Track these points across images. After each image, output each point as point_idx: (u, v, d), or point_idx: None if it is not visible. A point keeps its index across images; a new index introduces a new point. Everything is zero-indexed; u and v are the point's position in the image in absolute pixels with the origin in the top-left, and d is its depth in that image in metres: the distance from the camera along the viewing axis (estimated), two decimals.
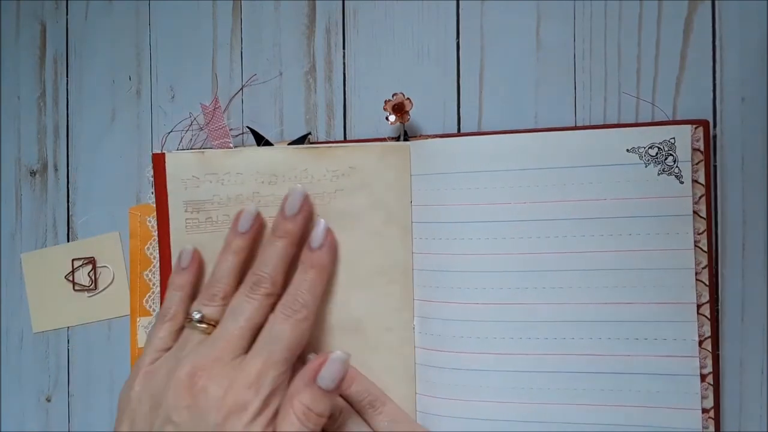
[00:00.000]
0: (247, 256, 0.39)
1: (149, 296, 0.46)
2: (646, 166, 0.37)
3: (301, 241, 0.39)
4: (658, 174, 0.37)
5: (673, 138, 0.37)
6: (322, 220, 0.39)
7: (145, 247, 0.46)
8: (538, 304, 0.38)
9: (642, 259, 0.37)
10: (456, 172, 0.39)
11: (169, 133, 0.46)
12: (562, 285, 0.38)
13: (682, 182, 0.37)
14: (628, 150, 0.37)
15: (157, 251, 0.44)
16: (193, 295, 0.40)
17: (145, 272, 0.46)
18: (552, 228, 0.38)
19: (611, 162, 0.37)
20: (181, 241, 0.42)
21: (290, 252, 0.38)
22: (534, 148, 0.39)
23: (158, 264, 0.45)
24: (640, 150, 0.37)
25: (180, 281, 0.40)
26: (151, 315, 0.46)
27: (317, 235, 0.38)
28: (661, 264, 0.37)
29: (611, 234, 0.37)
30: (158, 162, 0.43)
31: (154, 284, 0.46)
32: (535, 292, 0.38)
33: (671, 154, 0.37)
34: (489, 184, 0.39)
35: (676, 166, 0.37)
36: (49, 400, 0.50)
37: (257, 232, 0.40)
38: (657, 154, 0.37)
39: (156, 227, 0.44)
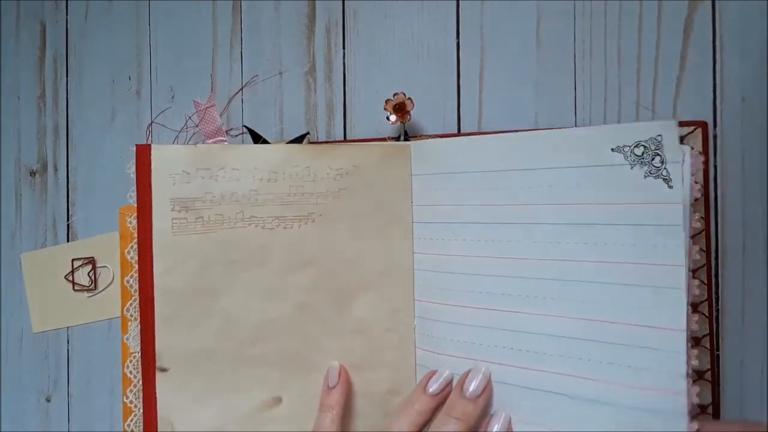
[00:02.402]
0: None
1: (130, 304, 0.43)
2: (631, 168, 0.32)
3: (477, 424, 0.36)
4: (645, 176, 0.32)
5: (660, 135, 0.32)
6: (507, 416, 0.36)
7: (126, 250, 0.42)
8: (521, 313, 0.36)
9: (625, 274, 0.32)
10: (449, 172, 0.39)
11: (151, 123, 0.46)
12: (543, 294, 0.35)
13: (671, 186, 0.31)
14: (612, 149, 0.33)
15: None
16: (344, 414, 0.39)
17: (127, 278, 0.42)
18: (535, 232, 0.36)
19: (594, 163, 0.33)
20: (166, 244, 0.39)
21: None
22: (519, 148, 0.36)
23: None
24: (626, 149, 0.33)
25: (329, 402, 0.39)
26: (133, 322, 0.43)
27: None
28: (646, 281, 0.32)
29: (595, 243, 0.33)
30: (142, 154, 0.39)
31: (135, 290, 0.42)
32: (518, 299, 0.36)
33: (658, 154, 0.32)
34: (479, 185, 0.38)
35: (664, 168, 0.32)
36: (49, 400, 0.50)
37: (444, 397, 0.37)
38: (643, 153, 0.32)
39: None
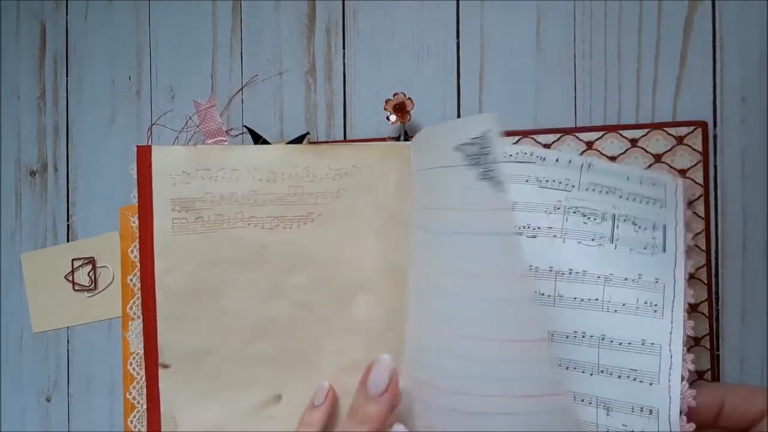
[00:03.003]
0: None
1: (133, 302, 0.43)
2: (468, 168, 0.28)
3: (383, 425, 0.32)
4: (478, 179, 0.28)
5: (489, 129, 0.27)
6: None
7: (129, 249, 0.43)
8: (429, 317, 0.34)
9: (479, 287, 0.29)
10: (421, 169, 0.38)
11: (152, 125, 0.46)
12: (432, 309, 0.32)
13: (500, 190, 0.27)
14: (454, 148, 0.29)
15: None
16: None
17: (130, 276, 0.43)
18: (417, 239, 0.34)
19: (441, 164, 0.30)
20: (166, 243, 0.39)
21: None
22: (422, 148, 0.35)
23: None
24: (464, 148, 0.29)
25: (310, 420, 0.37)
26: (136, 320, 0.43)
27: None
28: (498, 293, 0.28)
29: (451, 252, 0.30)
30: (143, 155, 0.39)
31: (138, 289, 0.42)
32: (429, 309, 0.34)
33: (488, 152, 0.28)
34: (421, 185, 0.37)
35: (493, 169, 0.28)
36: (49, 400, 0.50)
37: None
38: (477, 152, 0.28)
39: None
